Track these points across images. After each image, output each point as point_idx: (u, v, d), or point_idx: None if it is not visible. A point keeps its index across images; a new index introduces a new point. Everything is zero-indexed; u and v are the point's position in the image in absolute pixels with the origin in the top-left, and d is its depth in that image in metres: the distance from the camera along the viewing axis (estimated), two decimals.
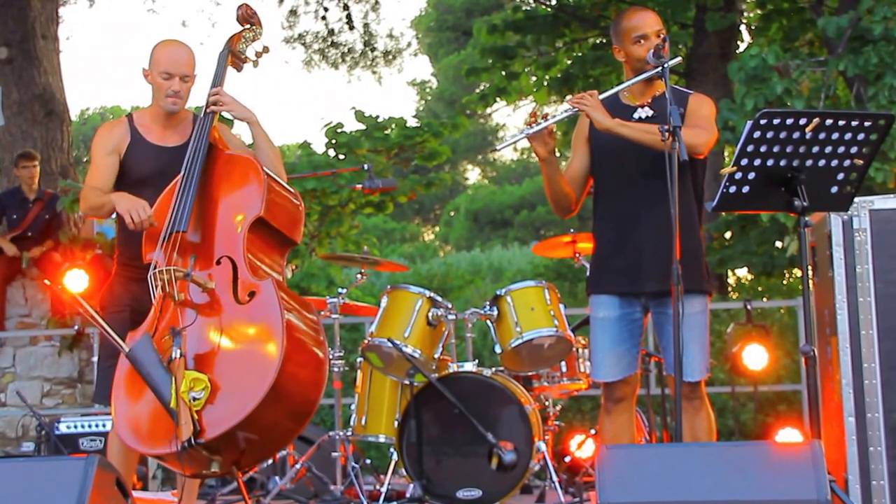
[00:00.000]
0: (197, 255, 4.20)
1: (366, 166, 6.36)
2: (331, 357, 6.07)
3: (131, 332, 4.17)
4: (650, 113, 4.47)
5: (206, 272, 4.16)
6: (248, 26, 4.68)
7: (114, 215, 4.50)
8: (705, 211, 4.51)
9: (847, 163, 4.09)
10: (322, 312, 6.10)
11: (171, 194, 4.30)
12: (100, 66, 61.05)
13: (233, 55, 4.63)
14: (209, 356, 4.00)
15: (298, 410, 4.02)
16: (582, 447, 6.44)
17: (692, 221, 4.40)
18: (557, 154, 4.52)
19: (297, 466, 6.06)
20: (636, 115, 4.48)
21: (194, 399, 3.85)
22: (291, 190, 4.45)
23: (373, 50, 16.61)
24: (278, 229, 4.31)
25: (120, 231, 4.61)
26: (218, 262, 4.17)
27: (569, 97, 4.47)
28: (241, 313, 4.05)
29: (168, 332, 4.01)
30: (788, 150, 4.02)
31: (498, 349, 5.66)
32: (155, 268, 4.17)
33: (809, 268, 4.43)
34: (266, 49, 4.72)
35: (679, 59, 4.46)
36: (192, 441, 3.82)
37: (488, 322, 5.75)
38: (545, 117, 4.38)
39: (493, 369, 5.83)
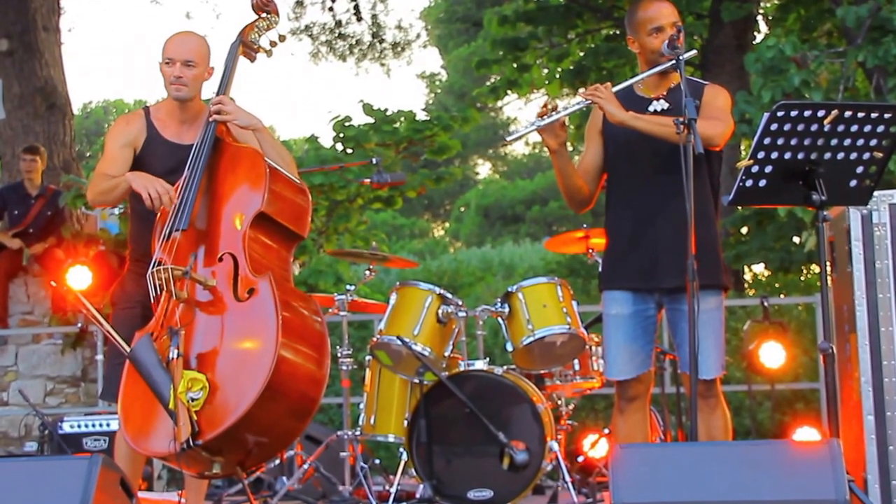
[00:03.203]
0: (201, 252, 4.15)
1: (374, 160, 6.29)
2: (339, 355, 6.06)
3: (139, 330, 4.12)
4: (665, 105, 4.41)
5: (210, 269, 4.11)
6: (262, 15, 4.62)
7: (119, 209, 4.43)
8: (721, 205, 4.44)
9: (866, 156, 4.03)
10: (330, 310, 6.10)
11: (177, 192, 4.25)
12: (102, 59, 61.14)
13: (244, 46, 4.57)
14: (210, 355, 3.95)
15: (298, 408, 3.97)
16: (595, 447, 6.40)
17: (708, 216, 4.35)
18: (570, 148, 4.45)
19: (305, 466, 6.04)
20: (651, 108, 4.43)
21: (192, 399, 3.81)
22: (297, 182, 4.37)
23: (381, 42, 16.56)
24: (283, 224, 4.24)
25: (132, 226, 4.58)
26: (220, 259, 4.12)
27: (582, 90, 4.40)
28: (240, 311, 4.00)
29: (166, 332, 3.96)
30: (806, 142, 3.96)
31: (509, 347, 5.61)
32: (156, 266, 4.11)
33: (828, 263, 4.35)
34: (282, 38, 4.65)
35: (694, 51, 4.42)
36: (191, 442, 3.78)
37: (500, 319, 5.70)
38: (556, 109, 4.35)
39: (505, 367, 5.78)
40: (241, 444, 3.88)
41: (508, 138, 4.72)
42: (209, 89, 4.51)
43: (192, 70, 4.39)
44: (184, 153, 4.34)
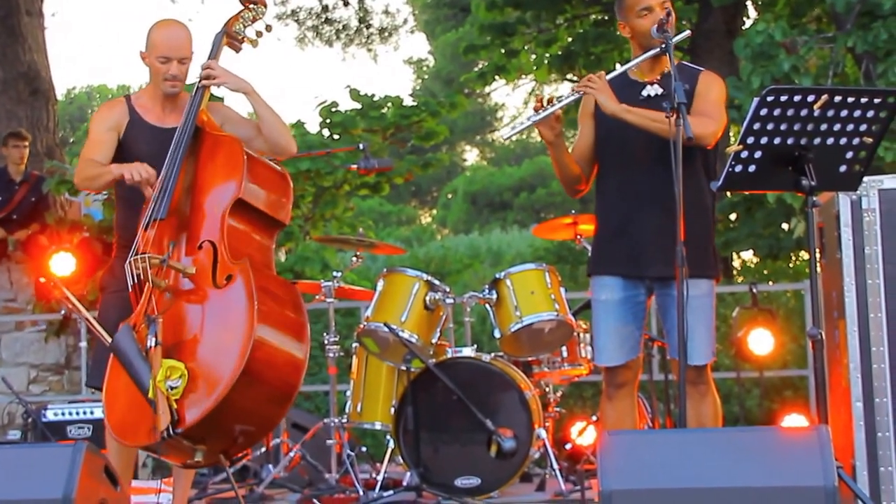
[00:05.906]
0: (183, 240, 4.15)
1: (361, 146, 6.26)
2: (326, 342, 6.04)
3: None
4: (659, 90, 4.39)
5: (192, 257, 4.10)
6: (249, 6, 4.60)
7: (104, 195, 4.42)
8: (718, 196, 4.43)
9: (856, 141, 4.02)
10: (316, 296, 6.06)
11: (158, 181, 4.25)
12: (86, 44, 60.76)
13: (228, 36, 4.56)
14: (189, 343, 3.95)
15: (277, 394, 3.95)
16: (583, 434, 6.39)
17: (701, 205, 4.34)
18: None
19: (291, 454, 6.03)
20: (644, 92, 4.42)
21: (171, 388, 3.80)
22: (278, 169, 4.37)
23: (368, 27, 16.48)
24: (262, 210, 4.23)
25: (118, 213, 4.57)
26: (200, 247, 4.12)
27: (575, 84, 4.40)
28: (218, 298, 3.99)
29: (144, 321, 3.95)
30: (796, 127, 3.94)
31: (497, 334, 5.60)
32: (135, 254, 4.11)
33: (817, 249, 4.33)
34: (269, 28, 4.65)
35: (688, 32, 4.41)
36: (171, 431, 3.76)
37: (487, 306, 5.69)
38: (551, 102, 4.36)
39: (493, 354, 5.78)
40: (222, 431, 3.88)
41: (505, 135, 4.75)
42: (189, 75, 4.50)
43: (185, 65, 4.42)
44: (166, 136, 4.35)
